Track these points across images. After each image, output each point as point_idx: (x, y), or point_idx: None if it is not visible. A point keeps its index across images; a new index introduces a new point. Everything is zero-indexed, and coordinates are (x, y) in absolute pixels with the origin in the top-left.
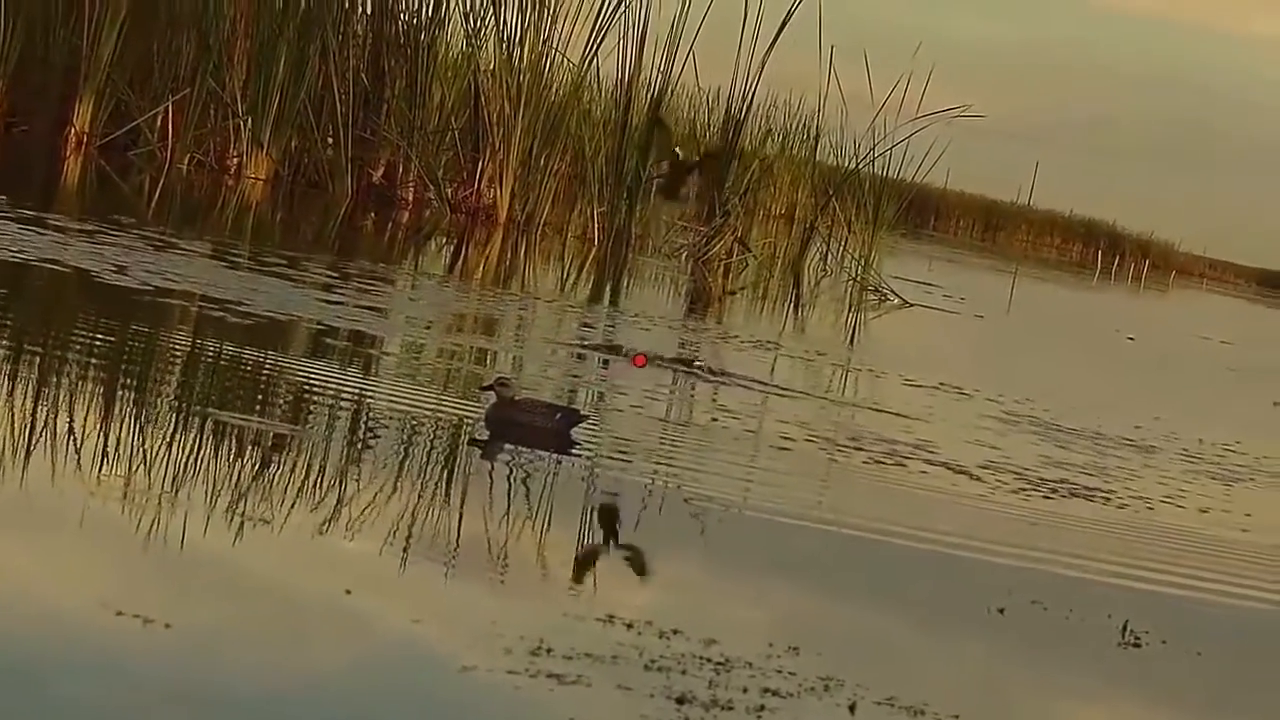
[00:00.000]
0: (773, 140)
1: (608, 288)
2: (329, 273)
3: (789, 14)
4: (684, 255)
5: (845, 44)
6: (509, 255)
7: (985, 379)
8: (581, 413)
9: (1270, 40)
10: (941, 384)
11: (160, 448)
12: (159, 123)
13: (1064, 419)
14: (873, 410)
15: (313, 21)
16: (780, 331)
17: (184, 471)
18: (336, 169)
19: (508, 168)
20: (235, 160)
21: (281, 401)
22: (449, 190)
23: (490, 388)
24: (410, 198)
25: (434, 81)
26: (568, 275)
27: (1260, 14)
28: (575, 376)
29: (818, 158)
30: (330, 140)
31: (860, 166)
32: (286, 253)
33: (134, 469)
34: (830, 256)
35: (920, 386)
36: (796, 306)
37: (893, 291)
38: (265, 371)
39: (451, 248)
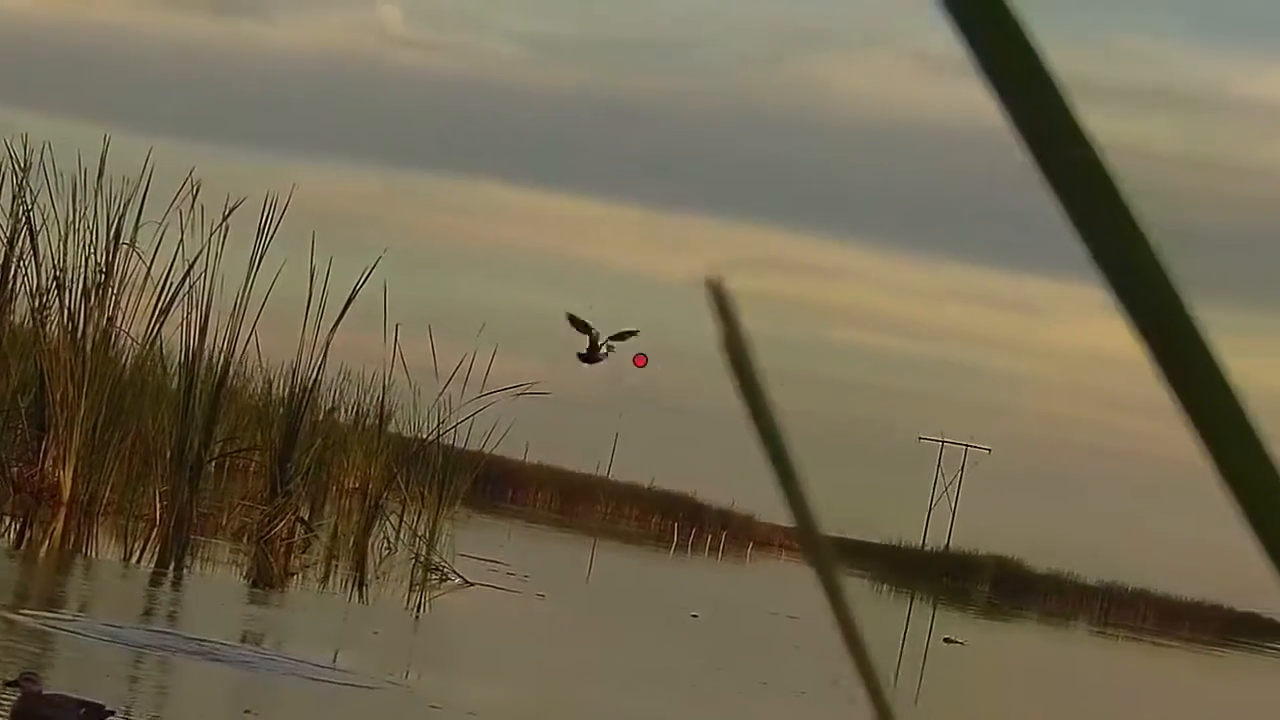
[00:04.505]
0: (343, 414)
1: (169, 570)
2: None
3: (354, 292)
4: (246, 535)
5: (411, 319)
6: (70, 538)
7: (520, 671)
8: (107, 708)
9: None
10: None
11: None
12: None
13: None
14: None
15: None
16: (342, 616)
17: None
18: None
19: (70, 447)
20: None
21: None
22: (14, 470)
23: (16, 684)
24: None
25: None
26: (129, 556)
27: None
28: (132, 677)
29: (389, 431)
30: None
31: (428, 440)
32: None
33: None
34: (398, 533)
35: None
36: (360, 586)
37: (454, 571)
38: None
39: (15, 529)
